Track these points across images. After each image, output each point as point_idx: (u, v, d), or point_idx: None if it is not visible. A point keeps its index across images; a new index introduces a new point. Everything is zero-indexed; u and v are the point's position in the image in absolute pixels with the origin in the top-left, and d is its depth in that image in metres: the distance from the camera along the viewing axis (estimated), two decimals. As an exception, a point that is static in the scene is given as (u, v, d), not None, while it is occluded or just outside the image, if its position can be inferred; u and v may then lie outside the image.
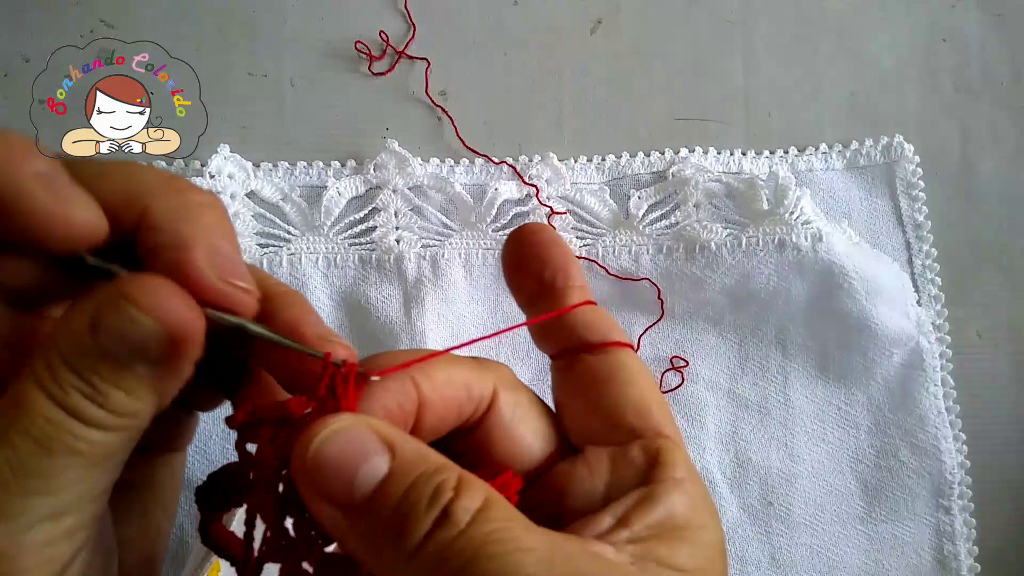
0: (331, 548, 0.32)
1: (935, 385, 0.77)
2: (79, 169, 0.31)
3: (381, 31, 0.80)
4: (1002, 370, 0.80)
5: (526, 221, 0.77)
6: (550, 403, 0.40)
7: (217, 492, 0.35)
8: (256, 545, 0.33)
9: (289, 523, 0.32)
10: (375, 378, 0.34)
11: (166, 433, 0.38)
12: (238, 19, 0.80)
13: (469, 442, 0.37)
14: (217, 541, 0.35)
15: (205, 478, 0.35)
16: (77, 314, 0.30)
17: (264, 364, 0.36)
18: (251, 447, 0.34)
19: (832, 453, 0.76)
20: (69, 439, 0.29)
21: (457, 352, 0.37)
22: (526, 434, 0.38)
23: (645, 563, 0.31)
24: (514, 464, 0.37)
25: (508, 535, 0.29)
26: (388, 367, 0.34)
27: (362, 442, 0.31)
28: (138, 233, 0.31)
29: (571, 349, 0.39)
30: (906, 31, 0.86)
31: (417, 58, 0.81)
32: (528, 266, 0.40)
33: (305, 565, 0.32)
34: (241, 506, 0.34)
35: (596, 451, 0.37)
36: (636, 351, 0.40)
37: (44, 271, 0.32)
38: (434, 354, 0.36)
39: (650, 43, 0.84)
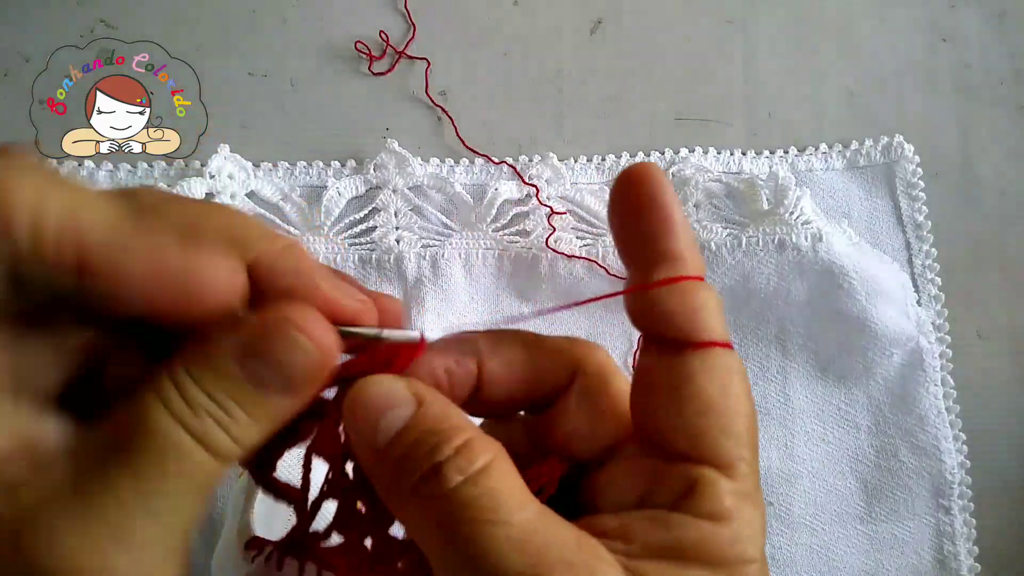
0: None
1: (935, 385, 0.77)
2: (187, 209, 0.33)
3: (381, 31, 0.80)
4: (1002, 370, 0.80)
5: (527, 220, 0.77)
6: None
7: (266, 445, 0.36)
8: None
9: (349, 466, 0.35)
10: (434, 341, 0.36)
11: None
12: (238, 19, 0.80)
13: (543, 418, 0.38)
14: (276, 485, 0.36)
15: None
16: (219, 344, 0.31)
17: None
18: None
19: (832, 453, 0.76)
20: (191, 467, 0.30)
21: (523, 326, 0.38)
22: (595, 423, 0.37)
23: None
24: (578, 446, 0.37)
25: (491, 503, 0.30)
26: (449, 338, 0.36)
27: (392, 392, 0.33)
28: (254, 272, 0.33)
29: (659, 337, 0.35)
30: (906, 31, 0.86)
31: (417, 58, 0.81)
32: (628, 217, 0.35)
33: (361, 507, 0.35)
34: (293, 446, 0.36)
35: (644, 461, 0.35)
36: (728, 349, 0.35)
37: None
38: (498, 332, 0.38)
39: (650, 43, 0.84)
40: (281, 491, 0.36)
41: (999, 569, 0.76)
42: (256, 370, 0.30)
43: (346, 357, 0.35)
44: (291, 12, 0.81)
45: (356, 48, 0.80)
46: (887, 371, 0.77)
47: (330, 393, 0.35)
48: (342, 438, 0.34)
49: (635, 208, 0.35)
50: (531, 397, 0.38)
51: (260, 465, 0.36)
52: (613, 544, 0.32)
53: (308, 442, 0.35)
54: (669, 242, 0.34)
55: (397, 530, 0.35)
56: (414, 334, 0.35)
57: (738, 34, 0.85)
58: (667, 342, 0.34)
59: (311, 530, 0.35)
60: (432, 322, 0.73)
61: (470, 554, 0.29)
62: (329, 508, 0.35)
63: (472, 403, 0.37)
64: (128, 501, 0.29)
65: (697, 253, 0.35)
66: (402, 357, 0.35)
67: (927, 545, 0.76)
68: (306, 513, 0.35)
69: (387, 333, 0.35)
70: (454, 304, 0.74)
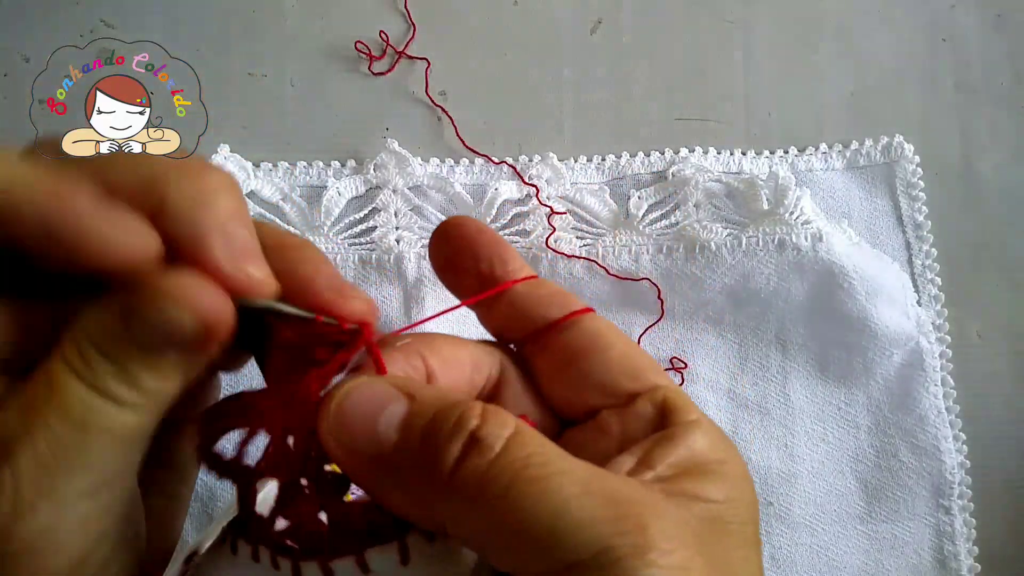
0: (329, 467, 0.33)
1: (935, 385, 0.77)
2: (95, 161, 0.32)
3: (381, 31, 0.80)
4: (1002, 370, 0.80)
5: (527, 220, 0.77)
6: None
7: (217, 417, 0.35)
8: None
9: (290, 441, 0.33)
10: (392, 342, 0.35)
11: (187, 399, 0.39)
12: (238, 19, 0.80)
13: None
14: (218, 459, 0.35)
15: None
16: (110, 305, 0.30)
17: (281, 328, 0.37)
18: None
19: (832, 453, 0.76)
20: (104, 419, 0.30)
21: (426, 327, 0.39)
22: (539, 406, 0.38)
23: (675, 498, 0.31)
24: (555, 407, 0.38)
25: (545, 459, 0.29)
26: (392, 334, 0.36)
27: (381, 391, 0.32)
28: (157, 221, 0.32)
29: (537, 331, 0.38)
30: (906, 31, 0.86)
31: (417, 58, 0.81)
32: (461, 263, 0.39)
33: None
34: (237, 428, 0.35)
35: (605, 415, 0.37)
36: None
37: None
38: (415, 324, 0.37)
39: (650, 43, 0.84)
40: (225, 466, 0.35)
41: (999, 569, 0.76)
42: (137, 332, 0.30)
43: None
44: (291, 12, 0.81)
45: (356, 48, 0.80)
46: (887, 371, 0.77)
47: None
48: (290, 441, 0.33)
49: (471, 248, 0.39)
50: (472, 392, 0.38)
51: (205, 445, 0.35)
52: (640, 475, 0.32)
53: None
54: (511, 261, 0.39)
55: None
56: (306, 314, 0.34)
57: (738, 34, 0.85)
58: (557, 324, 0.38)
59: (258, 513, 0.34)
60: (433, 323, 0.73)
61: (547, 513, 0.28)
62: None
63: None
64: (46, 457, 0.29)
65: (524, 261, 0.40)
66: (348, 345, 0.34)
67: (927, 545, 0.76)
68: (252, 488, 0.34)
69: (281, 307, 0.34)
70: (454, 304, 0.74)
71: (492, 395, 0.38)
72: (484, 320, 0.40)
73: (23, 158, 0.31)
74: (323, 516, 0.32)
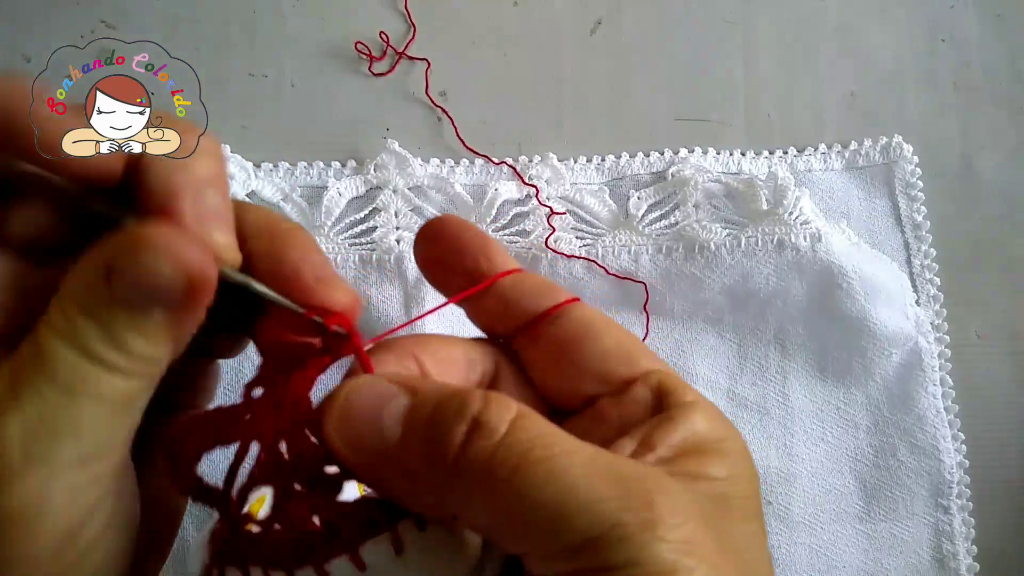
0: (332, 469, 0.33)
1: (934, 385, 0.77)
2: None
3: (381, 31, 0.80)
4: (1001, 370, 0.80)
5: (527, 220, 0.77)
6: None
7: (199, 432, 0.34)
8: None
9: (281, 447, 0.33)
10: (374, 346, 0.36)
11: (188, 384, 0.38)
12: (238, 19, 0.80)
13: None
14: (196, 482, 0.34)
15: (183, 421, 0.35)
16: (90, 262, 0.30)
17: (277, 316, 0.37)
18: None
19: (831, 453, 0.76)
20: (92, 384, 0.29)
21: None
22: (534, 401, 0.38)
23: (678, 477, 0.31)
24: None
25: (551, 440, 0.29)
26: (383, 334, 0.36)
27: (383, 388, 0.32)
28: (135, 179, 0.32)
29: (526, 324, 0.38)
30: (905, 31, 0.86)
31: (417, 58, 0.81)
32: (446, 261, 0.39)
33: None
34: (221, 446, 0.34)
35: (602, 402, 0.37)
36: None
37: (56, 221, 0.33)
38: (411, 321, 0.37)
39: (650, 43, 0.84)
40: (202, 491, 0.34)
41: (998, 568, 0.76)
42: (120, 289, 0.29)
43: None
44: (291, 12, 0.81)
45: (356, 48, 0.80)
46: (886, 371, 0.77)
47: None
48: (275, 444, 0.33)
49: (456, 246, 0.39)
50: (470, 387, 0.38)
51: (179, 469, 0.35)
52: (643, 457, 0.32)
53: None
54: (496, 256, 0.39)
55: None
56: (282, 301, 0.33)
57: (738, 34, 0.85)
58: (546, 315, 0.37)
59: (247, 530, 0.33)
60: (433, 323, 0.73)
61: (554, 493, 0.28)
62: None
63: None
64: (34, 423, 0.29)
65: (510, 256, 0.40)
66: (361, 356, 0.34)
67: (926, 544, 0.76)
68: (237, 509, 0.33)
69: (256, 287, 0.33)
70: (454, 304, 0.74)
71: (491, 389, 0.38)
72: (473, 317, 0.40)
73: None
74: (315, 519, 0.32)
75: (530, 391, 0.39)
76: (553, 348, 0.38)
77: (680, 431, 0.33)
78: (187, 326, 0.31)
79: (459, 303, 0.40)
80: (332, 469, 0.33)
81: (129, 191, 0.32)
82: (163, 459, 0.34)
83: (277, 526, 0.32)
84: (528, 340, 0.39)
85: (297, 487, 0.32)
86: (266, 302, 0.34)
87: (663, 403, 0.35)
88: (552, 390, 0.38)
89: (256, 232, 0.34)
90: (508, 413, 0.30)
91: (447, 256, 0.39)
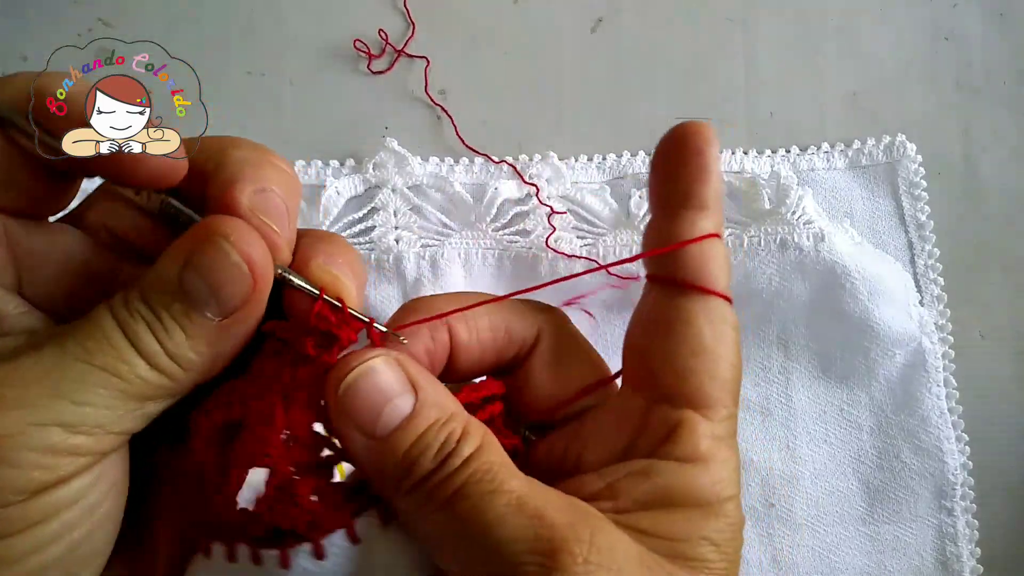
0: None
1: (937, 386, 0.76)
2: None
3: (380, 30, 0.80)
4: (1004, 370, 0.80)
5: (527, 220, 0.77)
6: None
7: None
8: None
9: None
10: (402, 339, 0.37)
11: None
12: (237, 18, 0.80)
13: (511, 378, 0.40)
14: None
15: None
16: (169, 254, 0.32)
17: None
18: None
19: (834, 454, 0.76)
20: (116, 361, 0.31)
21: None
22: (560, 377, 0.39)
23: (629, 531, 0.33)
24: (545, 401, 0.40)
25: (487, 476, 0.32)
26: (414, 319, 0.38)
27: (390, 383, 0.34)
28: (212, 177, 0.34)
29: (670, 278, 0.37)
30: (908, 30, 0.86)
31: (416, 57, 0.80)
32: (674, 170, 0.38)
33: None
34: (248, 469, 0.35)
35: (628, 407, 0.37)
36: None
37: (133, 218, 0.36)
38: (461, 308, 0.38)
39: (651, 42, 0.83)
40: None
41: (1002, 570, 0.76)
42: (190, 282, 0.31)
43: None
44: (290, 11, 0.80)
45: (355, 47, 0.79)
46: (889, 371, 0.76)
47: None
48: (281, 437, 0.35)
49: (681, 154, 0.37)
50: (499, 361, 0.40)
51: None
52: (601, 504, 0.33)
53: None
54: (702, 189, 0.37)
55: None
56: (312, 289, 0.35)
57: (739, 33, 0.84)
58: (673, 283, 0.37)
59: (241, 508, 0.35)
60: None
61: (474, 528, 0.31)
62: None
63: (446, 372, 0.39)
64: (39, 374, 0.30)
65: (720, 210, 0.38)
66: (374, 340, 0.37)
67: (929, 546, 0.75)
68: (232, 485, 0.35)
69: (297, 281, 0.35)
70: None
71: (526, 358, 0.40)
72: (645, 241, 0.39)
73: None
74: (313, 498, 0.34)
75: (571, 361, 0.40)
76: (663, 314, 0.37)
77: (649, 487, 0.34)
78: (231, 338, 0.33)
79: (653, 209, 0.40)
80: (326, 453, 0.35)
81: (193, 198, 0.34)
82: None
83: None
84: (659, 291, 0.38)
85: (292, 470, 0.34)
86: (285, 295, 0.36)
87: (662, 449, 0.35)
88: (630, 348, 0.39)
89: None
90: (469, 448, 0.32)
91: (679, 168, 0.38)
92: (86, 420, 0.30)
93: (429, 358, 0.38)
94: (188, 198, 0.35)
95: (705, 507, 0.34)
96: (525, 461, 0.38)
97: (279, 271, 0.34)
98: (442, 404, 0.34)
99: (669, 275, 0.37)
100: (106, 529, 0.34)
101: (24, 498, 0.30)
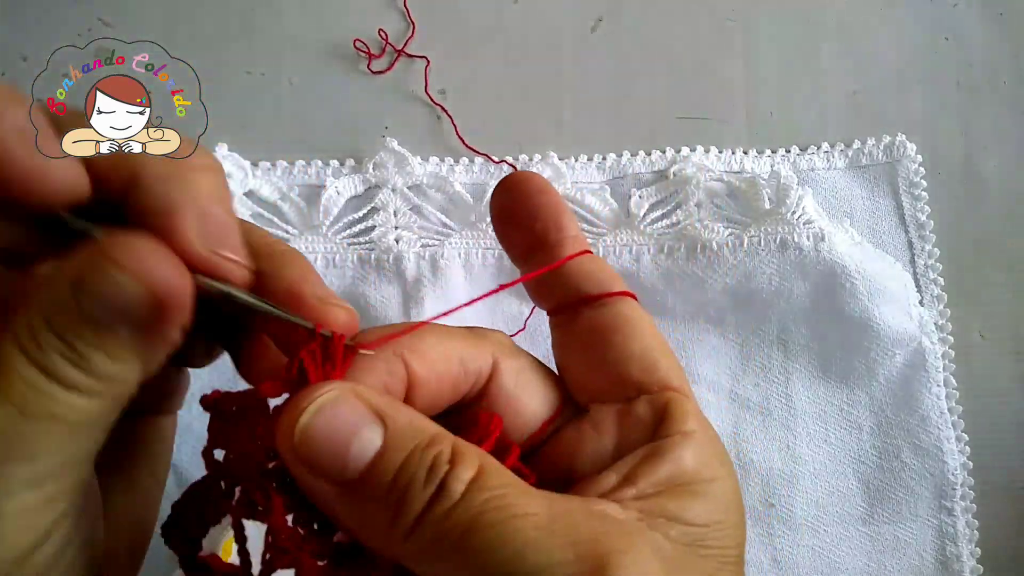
0: (340, 537, 0.31)
1: (938, 386, 0.76)
2: (69, 125, 0.30)
3: (380, 29, 0.79)
4: (1005, 370, 0.80)
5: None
6: (551, 365, 0.39)
7: (188, 518, 0.33)
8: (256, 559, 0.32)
9: (289, 519, 0.31)
10: (366, 352, 0.33)
11: (155, 392, 0.36)
12: (236, 18, 0.80)
13: (471, 413, 0.36)
14: (209, 570, 0.33)
15: (169, 512, 0.34)
16: (59, 275, 0.28)
17: (261, 326, 0.35)
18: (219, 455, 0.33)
19: (834, 454, 0.76)
20: (49, 404, 0.28)
21: (446, 322, 0.36)
22: (530, 401, 0.37)
23: (654, 519, 0.31)
24: (520, 431, 0.36)
25: (504, 501, 0.28)
26: (376, 341, 0.33)
27: (352, 415, 0.30)
28: (128, 195, 0.30)
29: (569, 303, 0.38)
30: (908, 30, 0.86)
31: (416, 56, 0.80)
32: (517, 219, 0.39)
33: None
34: (217, 523, 0.33)
35: (602, 410, 0.36)
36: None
37: (28, 230, 0.31)
38: (417, 325, 0.35)
39: (651, 41, 0.83)
40: (217, 572, 0.33)
41: (1002, 570, 0.76)
42: (85, 307, 0.28)
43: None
44: (289, 10, 0.80)
45: (355, 46, 0.79)
46: (889, 371, 0.76)
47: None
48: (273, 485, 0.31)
49: (531, 206, 0.38)
50: (455, 394, 0.36)
51: (186, 559, 0.33)
52: (622, 496, 0.31)
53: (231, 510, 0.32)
54: (565, 223, 0.38)
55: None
56: (263, 306, 0.32)
57: (739, 32, 0.84)
58: (589, 300, 0.37)
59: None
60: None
61: (504, 559, 0.27)
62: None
63: None
64: None
65: (579, 232, 0.39)
66: (337, 361, 0.32)
67: (929, 546, 0.75)
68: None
69: (241, 296, 0.31)
70: (453, 304, 0.74)
71: (481, 393, 0.37)
72: (529, 285, 0.40)
73: None
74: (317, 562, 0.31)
75: (535, 389, 0.37)
76: (584, 335, 0.37)
77: (666, 466, 0.32)
78: (158, 346, 0.30)
79: (520, 268, 0.40)
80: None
81: (118, 206, 0.31)
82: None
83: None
84: (566, 320, 0.38)
85: (292, 525, 0.31)
86: (247, 313, 0.32)
87: (661, 429, 0.34)
88: (573, 379, 0.38)
89: (254, 252, 0.33)
90: (468, 472, 0.29)
91: (519, 214, 0.38)
92: (48, 469, 0.28)
93: (386, 391, 0.34)
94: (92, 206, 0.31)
95: (710, 482, 0.33)
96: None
97: (224, 290, 0.31)
98: (418, 427, 0.30)
99: (577, 297, 0.37)
100: (96, 535, 0.33)
101: (21, 561, 0.28)
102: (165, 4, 0.79)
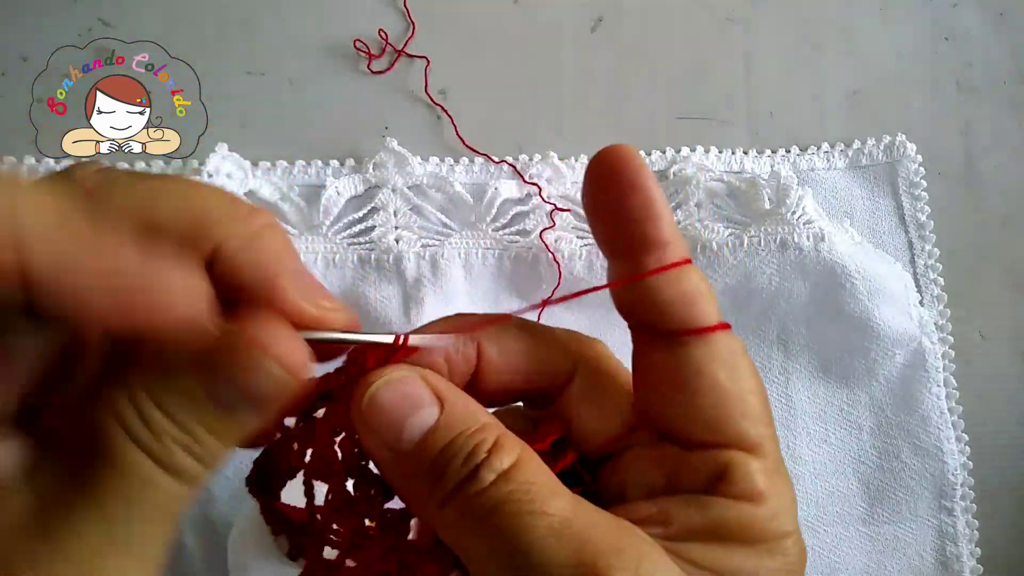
0: (391, 504, 0.34)
1: (937, 386, 0.76)
2: (137, 194, 0.30)
3: (380, 29, 0.79)
4: (1005, 370, 0.80)
5: (527, 220, 0.77)
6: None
7: (266, 474, 0.37)
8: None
9: (350, 484, 0.34)
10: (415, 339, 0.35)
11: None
12: (237, 18, 0.79)
13: (548, 414, 0.38)
14: (283, 515, 0.37)
15: (252, 465, 0.37)
16: (182, 360, 0.29)
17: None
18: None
19: (834, 454, 0.76)
20: (158, 495, 0.28)
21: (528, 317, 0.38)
22: (599, 415, 0.37)
23: (680, 560, 0.31)
24: (585, 439, 0.37)
25: (527, 496, 0.30)
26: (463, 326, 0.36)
27: (414, 393, 0.32)
28: (214, 267, 0.30)
29: (662, 329, 0.34)
30: (908, 30, 0.86)
31: (417, 56, 0.80)
32: (608, 204, 0.35)
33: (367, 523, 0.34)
34: (293, 478, 0.36)
35: (664, 449, 0.35)
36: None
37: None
38: (505, 316, 0.37)
39: (651, 41, 0.83)
40: (288, 523, 0.36)
41: (1002, 571, 0.76)
42: (222, 393, 0.29)
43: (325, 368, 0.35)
44: (290, 11, 0.80)
45: (355, 46, 0.79)
46: (889, 372, 0.76)
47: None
48: (339, 455, 0.34)
49: (616, 194, 0.34)
50: (529, 388, 0.38)
51: (265, 507, 0.37)
52: (651, 529, 0.32)
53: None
54: (655, 228, 0.34)
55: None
56: (386, 338, 0.34)
57: (739, 32, 0.84)
58: (665, 333, 0.34)
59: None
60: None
61: (512, 549, 0.29)
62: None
63: (469, 390, 0.36)
64: (93, 538, 0.27)
65: (680, 235, 0.35)
66: (383, 360, 0.34)
67: (929, 546, 0.75)
68: (318, 540, 0.35)
69: (357, 337, 0.33)
70: (454, 304, 0.74)
71: (562, 391, 0.38)
72: (612, 289, 0.36)
73: (40, 189, 0.26)
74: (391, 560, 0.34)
75: (609, 405, 0.37)
76: (668, 365, 0.34)
77: (704, 517, 0.32)
78: (261, 424, 0.31)
79: (606, 254, 0.36)
80: (398, 504, 0.34)
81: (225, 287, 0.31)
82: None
83: (350, 563, 0.34)
84: (649, 341, 0.35)
85: (369, 524, 0.34)
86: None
87: (716, 487, 0.33)
88: (644, 401, 0.36)
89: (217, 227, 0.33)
90: (504, 463, 0.31)
91: (612, 200, 0.34)
92: (150, 562, 0.29)
93: (449, 368, 0.36)
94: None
95: (761, 544, 0.32)
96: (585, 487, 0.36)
97: (333, 338, 0.33)
98: (472, 414, 0.32)
99: (654, 324, 0.34)
100: None
101: None
102: (165, 4, 0.78)
